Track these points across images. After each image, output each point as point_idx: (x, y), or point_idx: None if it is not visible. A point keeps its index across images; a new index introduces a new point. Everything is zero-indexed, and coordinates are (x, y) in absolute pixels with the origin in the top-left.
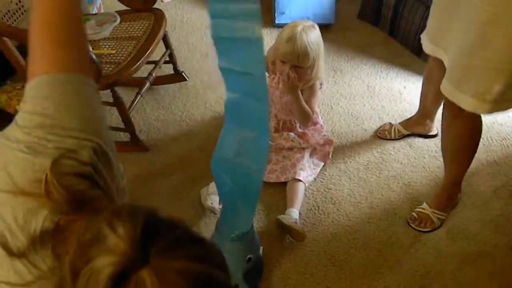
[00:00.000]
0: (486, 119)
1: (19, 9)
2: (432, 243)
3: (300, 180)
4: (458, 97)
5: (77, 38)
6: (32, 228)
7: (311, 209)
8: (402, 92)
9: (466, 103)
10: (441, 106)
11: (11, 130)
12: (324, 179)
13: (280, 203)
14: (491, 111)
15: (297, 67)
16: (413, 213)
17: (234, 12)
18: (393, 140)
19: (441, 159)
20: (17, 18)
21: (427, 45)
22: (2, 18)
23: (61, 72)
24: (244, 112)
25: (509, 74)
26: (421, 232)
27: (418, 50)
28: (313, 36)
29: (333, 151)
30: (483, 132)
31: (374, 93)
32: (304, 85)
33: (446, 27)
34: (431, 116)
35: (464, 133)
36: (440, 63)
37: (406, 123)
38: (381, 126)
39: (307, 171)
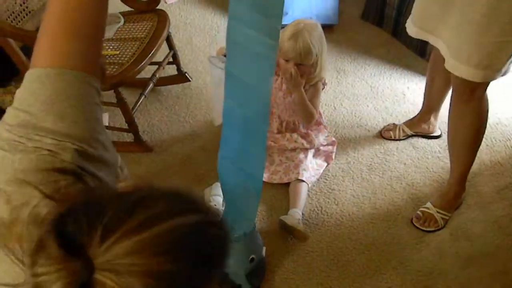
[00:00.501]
0: (490, 120)
1: (23, 10)
2: (435, 244)
3: (303, 181)
4: (467, 71)
5: (92, 31)
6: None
7: (314, 209)
8: (405, 93)
9: (478, 75)
10: (445, 104)
11: None
12: (327, 180)
13: (283, 203)
14: (499, 76)
15: (300, 65)
16: (418, 212)
17: (255, 21)
18: (396, 140)
19: (445, 160)
20: (22, 19)
21: (411, 29)
22: (7, 19)
23: (56, 68)
24: (240, 121)
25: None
26: (425, 231)
27: (421, 51)
28: (316, 34)
29: (336, 152)
30: (487, 133)
31: (378, 93)
32: (307, 84)
33: (441, 9)
34: (435, 111)
35: (474, 121)
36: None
37: (410, 122)
38: (385, 127)
39: (310, 171)
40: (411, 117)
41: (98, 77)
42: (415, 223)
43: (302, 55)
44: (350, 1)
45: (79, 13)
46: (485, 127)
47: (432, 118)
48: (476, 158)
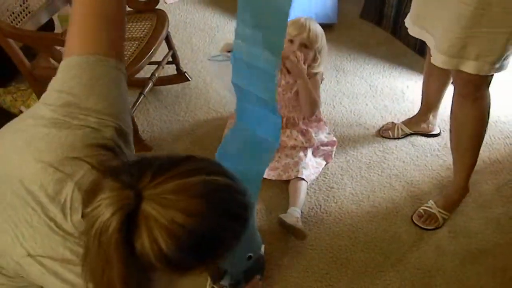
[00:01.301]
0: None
1: (23, 10)
2: (434, 241)
3: (303, 179)
4: (459, 64)
5: (118, 23)
6: (62, 198)
7: (313, 208)
8: (404, 92)
9: (470, 67)
10: (444, 103)
11: (36, 108)
12: (326, 178)
13: (282, 202)
14: (492, 71)
15: (304, 48)
16: (420, 210)
17: (258, 40)
18: (395, 139)
19: (444, 158)
20: (22, 19)
21: (411, 28)
22: (7, 20)
23: (93, 55)
24: (256, 119)
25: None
26: (425, 230)
27: (420, 50)
28: (318, 27)
29: (336, 150)
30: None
31: (377, 92)
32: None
33: (432, 6)
34: (434, 110)
35: (477, 119)
36: None
37: (409, 121)
38: (383, 126)
39: (310, 169)
40: (411, 115)
41: (124, 62)
42: (415, 221)
43: (309, 33)
44: (349, 0)
45: (107, 3)
46: (487, 125)
47: (431, 117)
48: None
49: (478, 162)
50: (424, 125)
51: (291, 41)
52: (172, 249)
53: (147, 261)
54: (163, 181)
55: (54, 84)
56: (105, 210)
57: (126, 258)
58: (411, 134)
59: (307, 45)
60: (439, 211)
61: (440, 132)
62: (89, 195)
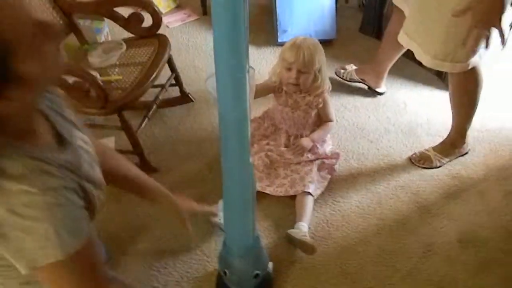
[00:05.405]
0: (493, 124)
1: None
2: (444, 252)
3: (309, 193)
4: (412, 46)
5: None
6: None
7: (319, 223)
8: (406, 103)
9: (416, 51)
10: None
11: None
12: (331, 192)
13: (288, 217)
14: (431, 64)
15: (302, 73)
16: (416, 152)
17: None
18: (344, 80)
19: (449, 167)
20: None
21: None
22: None
23: None
24: None
25: (448, 36)
26: (419, 167)
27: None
28: (315, 44)
29: (340, 164)
30: (491, 137)
31: (379, 104)
32: (313, 95)
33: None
34: (381, 71)
35: (467, 88)
36: (400, 19)
37: (359, 69)
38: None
39: (315, 184)
40: (413, 126)
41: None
42: (412, 160)
43: (305, 59)
44: (347, 16)
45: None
46: (480, 91)
47: (375, 75)
48: (481, 163)
49: (484, 170)
50: (370, 78)
51: (289, 69)
52: None
53: None
54: None
55: None
56: None
57: None
58: (359, 82)
59: (305, 71)
60: (434, 155)
61: (384, 91)
62: None
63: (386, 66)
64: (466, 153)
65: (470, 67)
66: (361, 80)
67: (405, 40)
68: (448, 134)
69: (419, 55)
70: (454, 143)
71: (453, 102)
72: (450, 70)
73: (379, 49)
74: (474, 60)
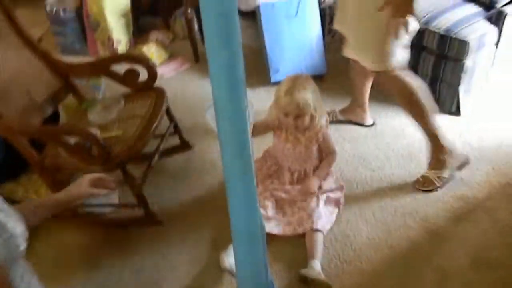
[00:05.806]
0: (492, 142)
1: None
2: (458, 277)
3: (319, 230)
4: (356, 56)
5: None
6: None
7: (332, 259)
8: (404, 128)
9: (360, 60)
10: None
11: None
12: (340, 226)
13: (299, 256)
14: (372, 67)
15: (299, 118)
16: (419, 177)
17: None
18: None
19: (454, 189)
20: (29, 112)
21: (337, 26)
22: (14, 114)
23: None
24: None
25: (379, 41)
26: (425, 191)
27: None
28: (309, 85)
29: (345, 196)
30: (491, 156)
31: (377, 132)
32: (313, 132)
33: (345, 13)
34: (361, 105)
35: (394, 89)
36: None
37: (343, 110)
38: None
39: (323, 219)
40: (413, 150)
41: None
42: (417, 186)
43: (300, 106)
44: (336, 49)
45: None
46: (410, 90)
47: (359, 110)
48: (485, 181)
49: (488, 188)
50: (354, 115)
51: (286, 114)
52: None
53: None
54: None
55: None
56: None
57: None
58: (345, 122)
59: (302, 114)
60: (432, 173)
61: (373, 123)
62: None
63: (364, 99)
64: (467, 163)
65: (393, 66)
66: (347, 120)
67: (350, 53)
68: (429, 149)
69: (362, 62)
70: (435, 151)
71: (404, 110)
72: (384, 69)
73: (351, 87)
74: (396, 60)
